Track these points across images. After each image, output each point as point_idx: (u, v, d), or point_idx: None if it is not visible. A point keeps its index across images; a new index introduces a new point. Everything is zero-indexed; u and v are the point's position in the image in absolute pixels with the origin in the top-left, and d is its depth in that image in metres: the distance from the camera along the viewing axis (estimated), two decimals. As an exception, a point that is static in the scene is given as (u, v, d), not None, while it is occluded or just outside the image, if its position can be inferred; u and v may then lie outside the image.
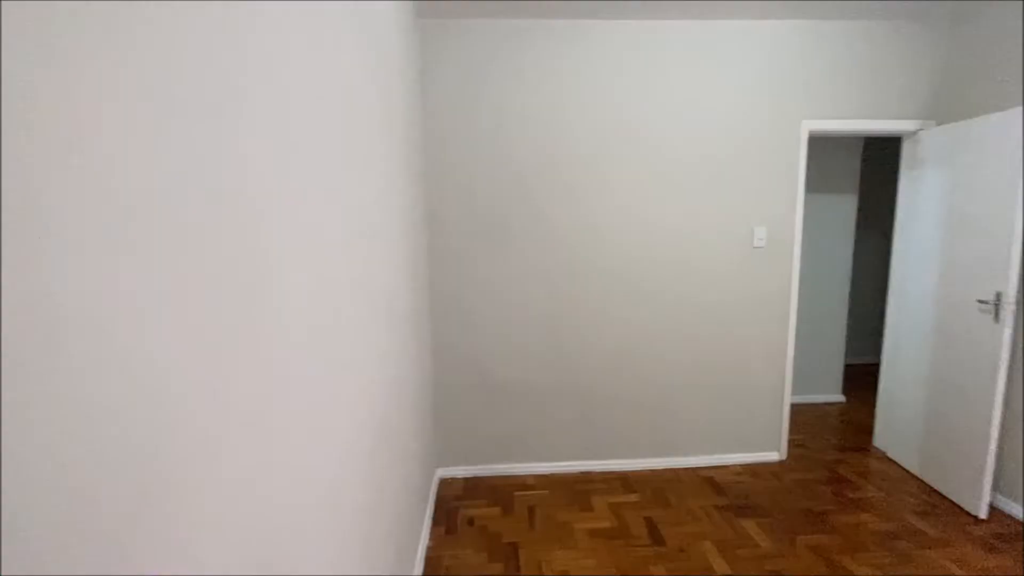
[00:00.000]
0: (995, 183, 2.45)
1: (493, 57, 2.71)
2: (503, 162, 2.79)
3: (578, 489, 2.84)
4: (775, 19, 2.81)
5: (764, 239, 2.95)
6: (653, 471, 3.04)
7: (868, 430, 3.54)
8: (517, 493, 2.81)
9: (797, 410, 3.93)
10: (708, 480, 2.92)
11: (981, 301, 2.53)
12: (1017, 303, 2.49)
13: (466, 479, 2.98)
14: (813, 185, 3.90)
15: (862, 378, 4.60)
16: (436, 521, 2.57)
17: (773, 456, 3.16)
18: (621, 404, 3.02)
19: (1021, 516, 2.54)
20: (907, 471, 3.03)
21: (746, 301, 3.00)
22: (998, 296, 2.44)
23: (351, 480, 1.20)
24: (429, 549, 2.34)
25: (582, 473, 3.02)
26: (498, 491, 2.84)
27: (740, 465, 3.10)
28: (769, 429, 3.14)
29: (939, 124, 2.93)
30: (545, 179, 2.81)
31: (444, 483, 2.94)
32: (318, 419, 0.98)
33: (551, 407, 2.99)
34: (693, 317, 2.99)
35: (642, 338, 2.98)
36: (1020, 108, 2.32)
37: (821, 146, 3.90)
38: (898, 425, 3.13)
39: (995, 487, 2.67)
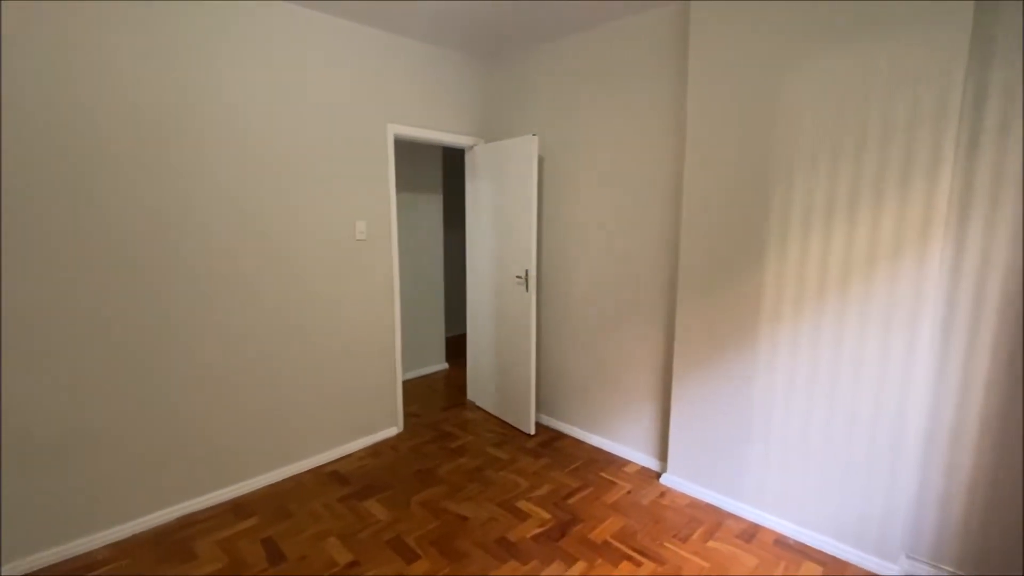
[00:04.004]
0: (519, 189, 3.32)
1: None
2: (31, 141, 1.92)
3: (176, 539, 2.33)
4: (366, 25, 2.96)
5: (365, 232, 3.11)
6: (273, 485, 2.80)
7: (464, 388, 4.31)
8: (78, 580, 2.08)
9: (411, 384, 4.42)
10: (333, 474, 2.92)
11: (518, 277, 3.42)
12: (537, 277, 3.49)
13: (-23, 595, 1.99)
14: (408, 185, 4.40)
15: (459, 346, 5.58)
16: None
17: (393, 431, 3.44)
18: (226, 420, 2.63)
19: (552, 425, 3.61)
20: (489, 414, 3.84)
21: (355, 292, 3.10)
22: (527, 273, 3.34)
23: None
24: None
25: (181, 518, 2.49)
26: (42, 590, 2.02)
27: (364, 448, 3.24)
28: (387, 407, 3.39)
29: (487, 142, 3.76)
30: (107, 168, 2.10)
31: (-76, 619, 1.88)
32: None
33: (126, 448, 2.32)
34: (304, 313, 2.88)
35: (249, 342, 2.66)
36: (529, 135, 3.20)
37: (412, 150, 4.42)
38: (481, 379, 3.94)
39: (538, 409, 3.71)
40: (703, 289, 2.58)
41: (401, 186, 4.34)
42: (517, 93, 3.55)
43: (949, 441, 2.02)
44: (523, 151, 3.26)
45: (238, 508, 2.57)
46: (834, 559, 2.22)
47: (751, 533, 2.41)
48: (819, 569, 2.16)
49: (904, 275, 1.97)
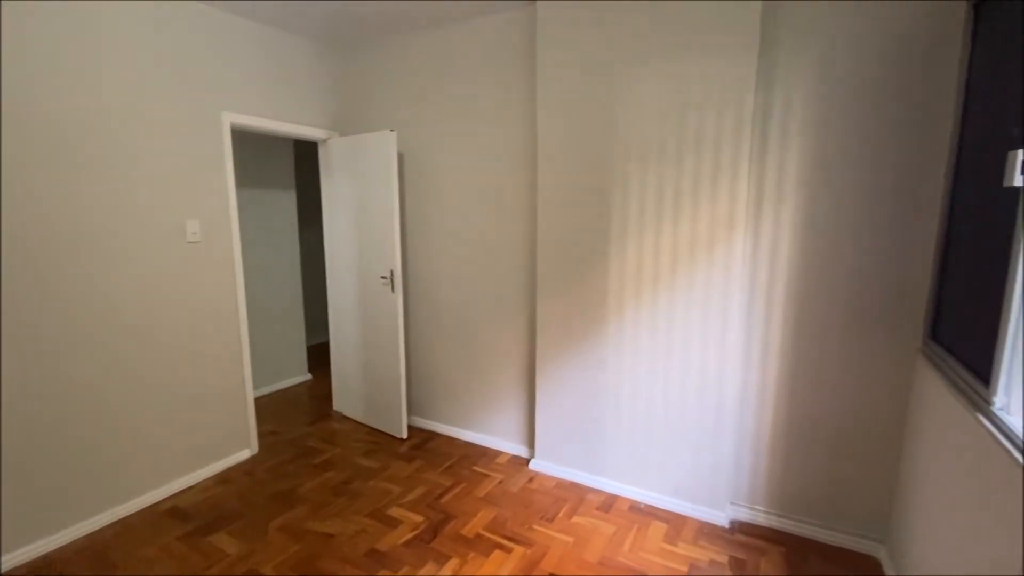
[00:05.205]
0: (380, 186, 3.21)
1: None
2: None
3: (-54, 624, 1.85)
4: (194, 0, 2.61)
5: (199, 233, 2.75)
6: (90, 535, 2.35)
7: (330, 399, 4.05)
8: None
9: (267, 400, 4.04)
10: (171, 511, 2.54)
11: (383, 277, 3.30)
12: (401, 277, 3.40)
13: None
14: (254, 181, 3.99)
15: (323, 355, 5.22)
16: None
17: (246, 454, 3.11)
18: (22, 460, 2.15)
19: (425, 426, 3.56)
20: (358, 423, 3.67)
21: (189, 301, 2.73)
22: (391, 273, 3.24)
23: None
24: None
25: (-46, 596, 1.98)
26: None
27: (211, 477, 2.87)
28: (236, 428, 3.05)
29: (342, 135, 3.56)
30: None
31: None
32: None
33: None
34: (127, 329, 2.45)
35: (55, 365, 2.20)
36: (388, 131, 3.10)
37: (259, 143, 4.01)
38: (347, 386, 3.73)
39: (410, 411, 3.63)
40: (559, 282, 2.73)
41: (247, 182, 3.93)
42: (375, 87, 3.42)
43: (756, 402, 2.40)
44: (381, 146, 3.15)
45: (44, 568, 2.12)
46: (676, 515, 2.52)
47: (609, 504, 2.62)
48: (664, 527, 2.43)
49: (717, 263, 2.30)
